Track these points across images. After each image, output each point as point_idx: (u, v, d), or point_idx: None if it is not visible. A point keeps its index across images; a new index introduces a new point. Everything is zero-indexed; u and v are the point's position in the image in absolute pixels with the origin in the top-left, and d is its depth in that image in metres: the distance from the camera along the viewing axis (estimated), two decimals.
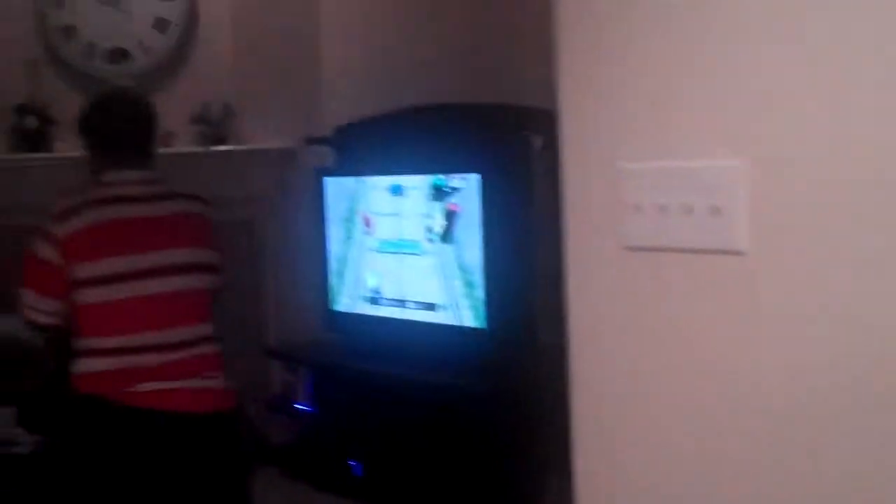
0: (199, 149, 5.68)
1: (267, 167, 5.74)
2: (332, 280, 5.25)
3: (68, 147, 5.73)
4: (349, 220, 5.13)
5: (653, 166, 1.43)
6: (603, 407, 1.56)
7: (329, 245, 5.26)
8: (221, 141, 5.70)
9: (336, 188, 5.20)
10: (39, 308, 3.03)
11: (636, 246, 1.47)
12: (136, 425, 2.91)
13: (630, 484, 1.54)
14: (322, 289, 5.29)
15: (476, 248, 4.50)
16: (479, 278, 4.51)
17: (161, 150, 5.61)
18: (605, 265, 1.52)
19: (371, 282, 5.05)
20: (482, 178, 4.46)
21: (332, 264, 5.24)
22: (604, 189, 1.49)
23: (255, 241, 5.78)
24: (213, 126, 5.68)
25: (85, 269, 2.98)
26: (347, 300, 5.18)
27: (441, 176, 4.64)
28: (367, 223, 5.04)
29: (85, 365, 3.00)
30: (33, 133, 5.72)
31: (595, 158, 1.50)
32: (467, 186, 4.53)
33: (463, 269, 4.58)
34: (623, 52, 1.45)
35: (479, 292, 4.52)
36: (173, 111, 5.63)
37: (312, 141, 5.42)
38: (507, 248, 4.44)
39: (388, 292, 4.96)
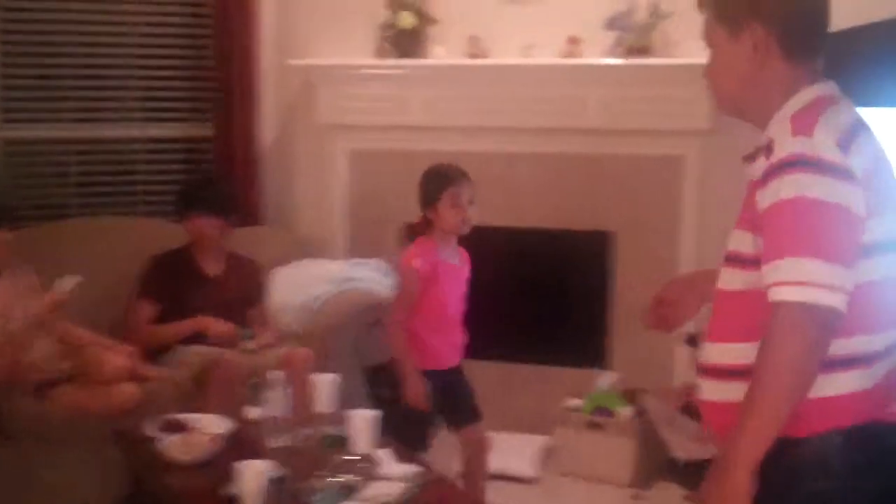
0: (615, 61, 4.40)
1: (703, 89, 4.30)
2: None
3: (448, 53, 4.58)
4: None
5: None
6: None
7: None
8: (644, 52, 4.37)
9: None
10: (838, 285, 1.81)
11: None
12: None
13: None
14: None
15: None
16: None
17: (560, 61, 4.51)
18: None
19: None
20: None
21: None
22: None
23: (683, 187, 4.44)
24: (635, 32, 4.35)
25: (876, 226, 1.88)
26: None
27: None
28: None
29: (843, 381, 1.90)
30: (407, 34, 4.55)
31: None
32: None
33: None
34: None
35: None
36: (582, 9, 4.44)
37: None
38: None
39: None
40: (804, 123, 1.86)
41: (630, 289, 4.47)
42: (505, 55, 4.52)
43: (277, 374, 3.15)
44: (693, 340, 4.15)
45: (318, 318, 4.14)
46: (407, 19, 4.52)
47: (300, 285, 4.26)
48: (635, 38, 4.32)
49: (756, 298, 1.87)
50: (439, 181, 3.48)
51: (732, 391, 1.89)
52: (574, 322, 4.62)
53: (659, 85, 4.35)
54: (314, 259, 4.52)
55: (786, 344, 1.78)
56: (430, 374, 3.41)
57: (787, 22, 1.96)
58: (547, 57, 4.46)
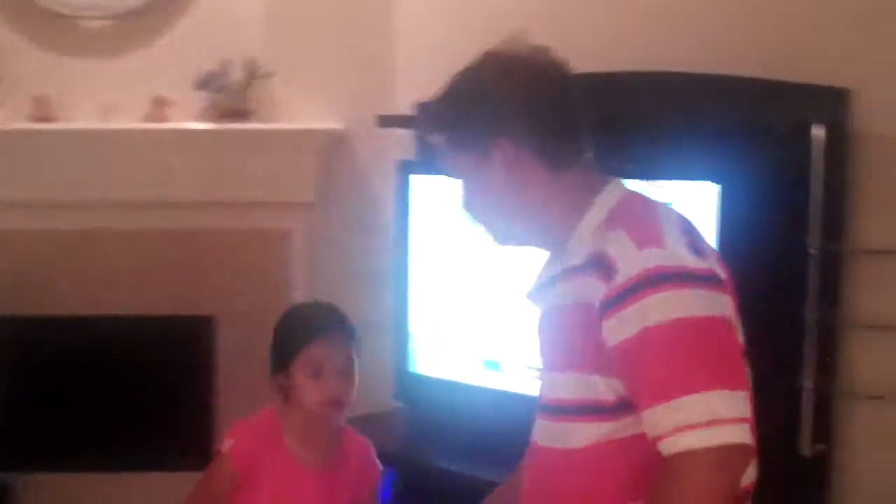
0: (208, 126, 3.99)
1: (311, 156, 4.01)
2: (415, 329, 3.54)
3: (8, 116, 3.97)
4: (456, 241, 3.43)
5: None
6: None
7: (410, 277, 3.55)
8: (241, 116, 3.99)
9: (431, 192, 3.48)
10: (745, 415, 1.54)
11: None
12: None
13: None
14: (398, 340, 3.58)
15: None
16: None
17: (145, 126, 3.98)
18: None
19: (490, 339, 3.34)
20: (723, 190, 2.78)
21: (417, 306, 3.53)
22: None
23: (289, 264, 4.08)
24: (230, 94, 3.95)
25: None
26: (442, 361, 3.48)
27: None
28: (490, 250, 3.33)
29: None
30: None
31: None
32: (686, 204, 2.86)
33: None
34: None
35: None
36: (170, 67, 4.01)
37: (390, 122, 3.69)
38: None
39: (520, 356, 3.26)
40: (646, 233, 1.58)
41: (238, 378, 4.04)
42: (80, 118, 3.97)
43: None
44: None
45: None
46: None
47: None
48: (231, 100, 3.93)
49: (619, 451, 1.59)
50: (294, 336, 2.34)
51: None
52: (173, 420, 4.11)
53: (258, 152, 3.98)
54: None
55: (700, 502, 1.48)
56: None
57: (537, 127, 1.68)
58: (129, 121, 3.97)
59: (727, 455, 1.49)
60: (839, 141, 2.75)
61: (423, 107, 1.81)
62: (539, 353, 1.84)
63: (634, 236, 1.58)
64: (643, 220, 1.63)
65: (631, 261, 1.55)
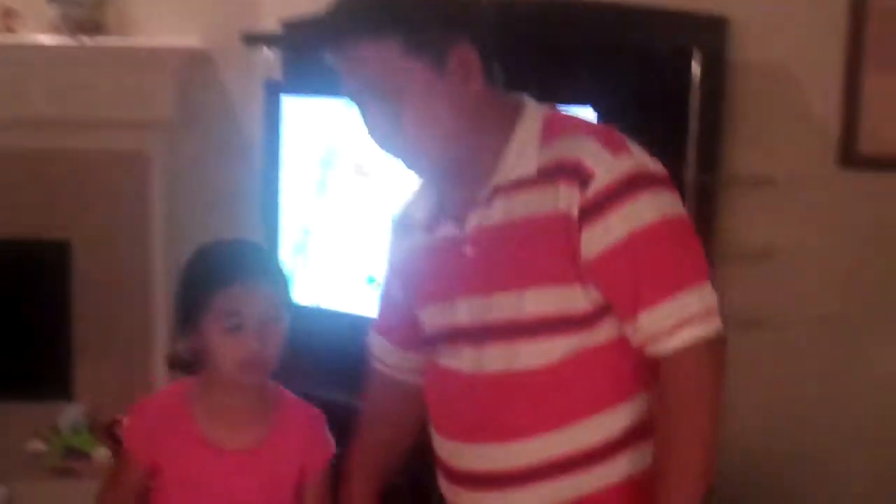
0: (62, 41, 3.74)
1: (170, 75, 3.81)
2: (290, 257, 3.44)
3: None
4: (327, 164, 3.32)
5: None
6: None
7: (281, 202, 3.44)
8: (96, 31, 3.75)
9: (303, 113, 3.36)
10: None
11: None
12: None
13: None
14: None
15: None
16: None
17: None
18: None
19: (373, 263, 3.28)
20: (599, 115, 2.75)
21: (290, 232, 3.43)
22: None
23: (149, 186, 3.89)
24: (85, 7, 3.71)
25: None
26: (319, 289, 3.39)
27: None
28: (365, 172, 3.24)
29: None
30: None
31: None
32: None
33: None
34: None
35: None
36: None
37: (256, 40, 3.54)
38: None
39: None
40: (615, 141, 1.58)
41: (94, 305, 3.89)
42: None
43: None
44: (175, 361, 3.68)
45: None
46: None
47: None
48: (85, 13, 3.69)
49: (597, 358, 1.59)
50: (202, 284, 1.87)
51: (597, 477, 1.61)
52: (27, 348, 3.93)
53: (113, 69, 3.76)
54: None
55: (708, 398, 1.54)
56: None
57: (485, 33, 1.61)
58: None
59: (722, 343, 1.55)
60: (717, 69, 2.75)
61: (347, 8, 1.59)
62: (442, 281, 1.69)
63: (605, 143, 1.56)
64: (605, 129, 1.63)
65: (607, 167, 1.53)
